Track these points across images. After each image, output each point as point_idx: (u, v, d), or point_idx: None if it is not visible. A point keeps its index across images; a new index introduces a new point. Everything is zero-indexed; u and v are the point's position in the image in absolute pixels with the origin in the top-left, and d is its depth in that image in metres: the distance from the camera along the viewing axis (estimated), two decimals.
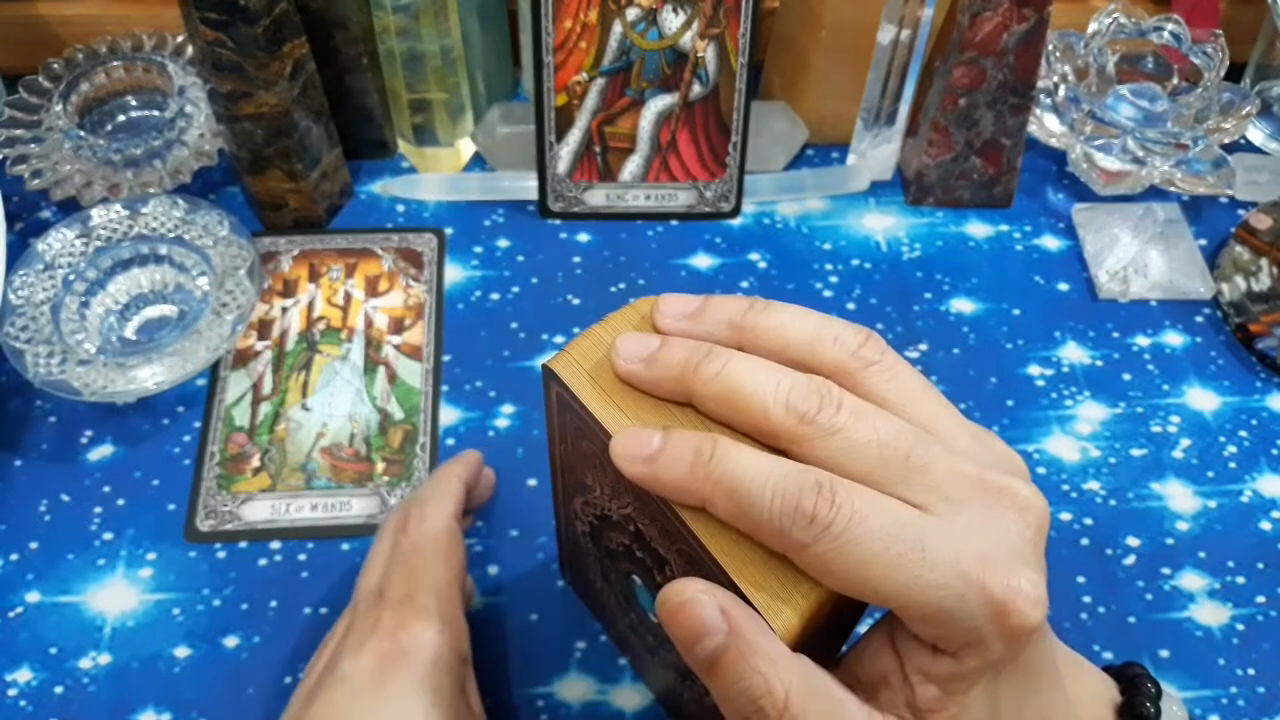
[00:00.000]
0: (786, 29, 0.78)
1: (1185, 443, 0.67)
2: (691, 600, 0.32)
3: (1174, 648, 0.60)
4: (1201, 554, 0.63)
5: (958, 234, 0.77)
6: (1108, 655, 0.59)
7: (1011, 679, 0.34)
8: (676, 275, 0.73)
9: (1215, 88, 0.75)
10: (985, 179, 0.76)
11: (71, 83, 0.74)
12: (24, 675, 0.57)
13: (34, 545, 0.61)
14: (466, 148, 0.79)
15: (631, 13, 0.68)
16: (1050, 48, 0.78)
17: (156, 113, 0.76)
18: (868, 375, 0.35)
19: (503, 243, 0.74)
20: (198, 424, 0.65)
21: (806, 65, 0.76)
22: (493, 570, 0.61)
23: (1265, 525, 0.64)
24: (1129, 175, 0.75)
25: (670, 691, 0.51)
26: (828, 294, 0.73)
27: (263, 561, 0.61)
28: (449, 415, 0.66)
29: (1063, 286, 0.74)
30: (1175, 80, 0.77)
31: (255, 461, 0.64)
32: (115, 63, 0.75)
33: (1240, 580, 0.62)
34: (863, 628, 0.39)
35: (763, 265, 0.74)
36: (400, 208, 0.76)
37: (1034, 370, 0.70)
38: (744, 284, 0.73)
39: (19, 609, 0.59)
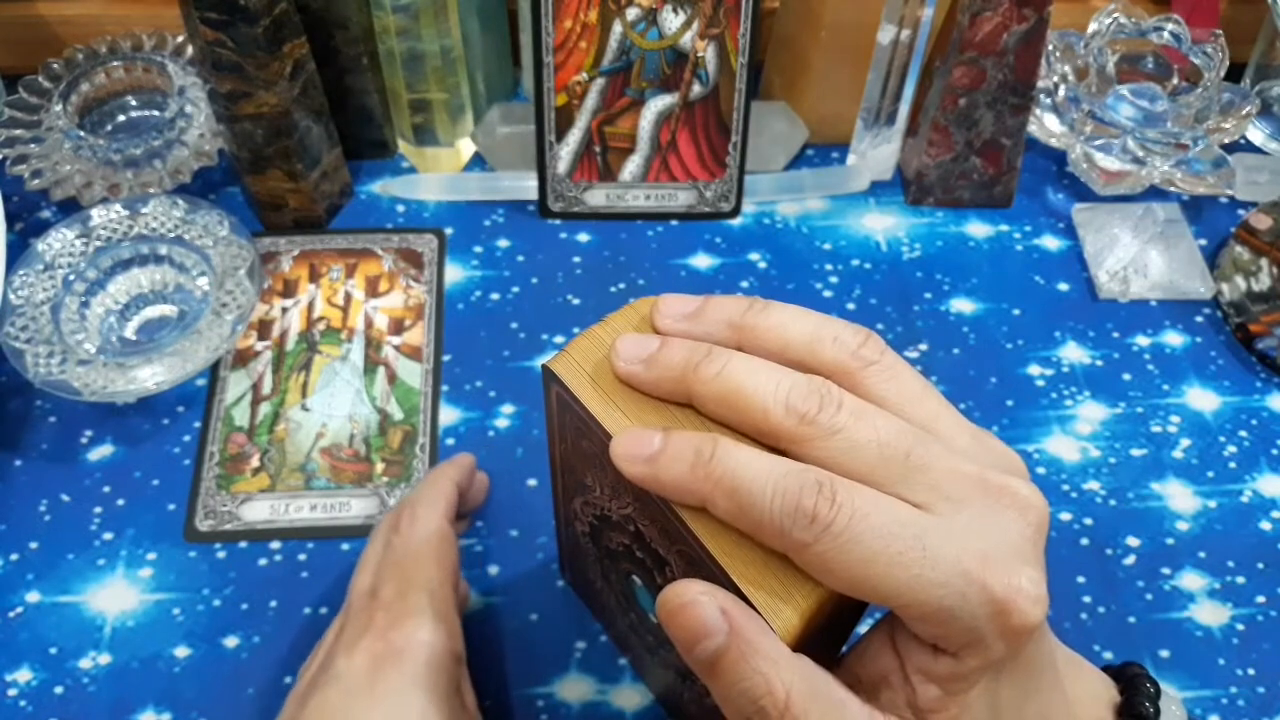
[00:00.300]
0: (786, 29, 0.78)
1: (1185, 443, 0.67)
2: (692, 601, 0.32)
3: (1174, 648, 0.60)
4: (1201, 554, 0.63)
5: (958, 234, 0.77)
6: (1108, 655, 0.59)
7: (1012, 678, 0.34)
8: (676, 275, 0.73)
9: (1215, 88, 0.75)
10: (985, 179, 0.76)
11: (71, 83, 0.74)
12: (24, 675, 0.57)
13: (34, 545, 0.61)
14: (466, 148, 0.79)
15: (631, 13, 0.68)
16: (1050, 48, 0.78)
17: (156, 113, 0.76)
18: (867, 375, 0.35)
19: (503, 243, 0.74)
20: (197, 424, 0.65)
21: (806, 65, 0.76)
22: (493, 570, 0.61)
23: (1265, 525, 0.64)
24: (1129, 175, 0.75)
25: (670, 691, 0.51)
26: (828, 294, 0.73)
27: (263, 561, 0.61)
28: (449, 415, 0.66)
29: (1063, 286, 0.74)
30: (1175, 80, 0.77)
31: (255, 462, 0.64)
32: (115, 63, 0.75)
33: (1240, 580, 0.62)
34: (863, 628, 0.39)
35: (763, 265, 0.74)
36: (400, 208, 0.76)
37: (1034, 370, 0.70)
38: (744, 284, 0.73)
39: (19, 609, 0.59)
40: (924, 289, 0.73)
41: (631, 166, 0.74)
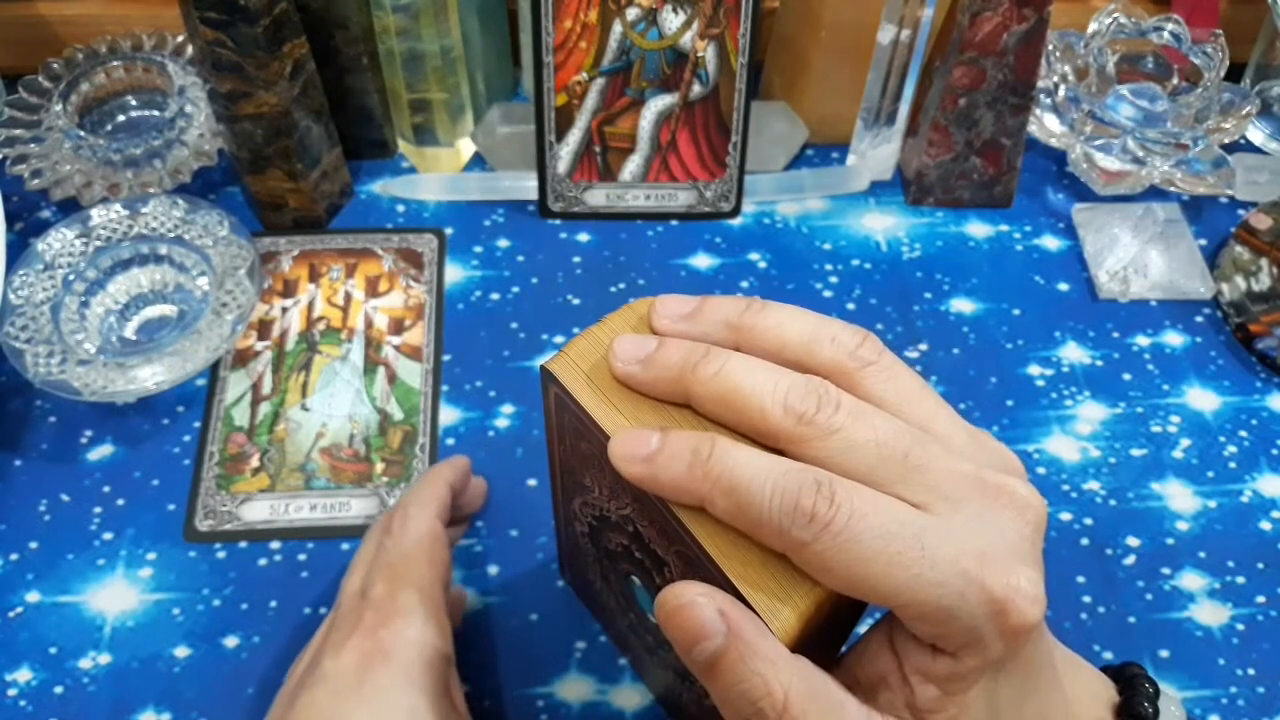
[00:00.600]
0: (786, 29, 0.78)
1: (1185, 443, 0.67)
2: (690, 603, 0.32)
3: (1174, 648, 0.60)
4: (1201, 554, 0.63)
5: (958, 234, 0.77)
6: (1108, 655, 0.59)
7: (1010, 678, 0.34)
8: (676, 275, 0.73)
9: (1215, 88, 0.75)
10: (985, 179, 0.76)
11: (71, 83, 0.74)
12: (24, 675, 0.57)
13: (34, 545, 0.61)
14: (466, 148, 0.79)
15: (631, 13, 0.68)
16: (1050, 48, 0.78)
17: (156, 113, 0.76)
18: (865, 375, 0.35)
19: (503, 243, 0.74)
20: (197, 424, 0.65)
21: (806, 65, 0.76)
22: (493, 570, 0.61)
23: (1265, 525, 0.64)
24: (1129, 175, 0.75)
25: (670, 691, 0.51)
26: (828, 294, 0.73)
27: (262, 561, 0.61)
28: (449, 415, 0.66)
29: (1063, 286, 0.74)
30: (1175, 80, 0.77)
31: (254, 462, 0.64)
32: (115, 63, 0.75)
33: (1240, 580, 0.62)
34: (861, 629, 0.39)
35: (763, 265, 0.74)
36: (400, 208, 0.76)
37: (1034, 370, 0.70)
38: (744, 284, 0.73)
39: (19, 609, 0.59)
40: (924, 289, 0.73)
41: (631, 166, 0.74)
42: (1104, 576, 0.62)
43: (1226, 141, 0.77)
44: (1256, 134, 0.82)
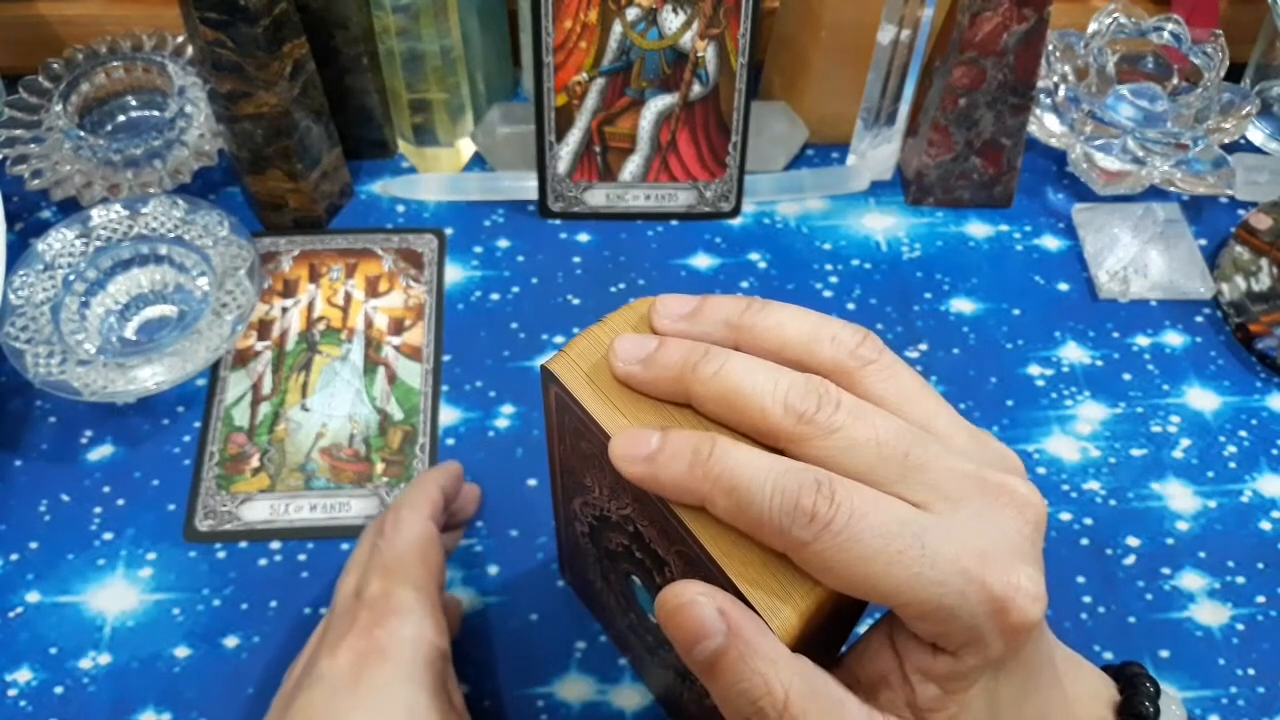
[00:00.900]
0: (786, 29, 0.78)
1: (1185, 443, 0.67)
2: (690, 602, 0.32)
3: (1174, 648, 0.60)
4: (1201, 554, 0.63)
5: (958, 234, 0.77)
6: (1108, 655, 0.59)
7: (1011, 677, 0.34)
8: (676, 275, 0.73)
9: (1215, 88, 0.75)
10: (985, 179, 0.76)
11: (71, 83, 0.74)
12: (24, 675, 0.57)
13: (34, 545, 0.61)
14: (466, 148, 0.79)
15: (631, 13, 0.68)
16: (1050, 48, 0.78)
17: (156, 113, 0.76)
18: (865, 374, 0.35)
19: (503, 243, 0.74)
20: (197, 424, 0.65)
21: (806, 65, 0.76)
22: (493, 570, 0.61)
23: (1265, 525, 0.64)
24: (1129, 175, 0.75)
25: (670, 691, 0.51)
26: (828, 294, 0.73)
27: (263, 562, 0.61)
28: (449, 415, 0.66)
29: (1063, 286, 0.74)
30: (1175, 80, 0.77)
31: (254, 462, 0.64)
32: (115, 63, 0.75)
33: (1240, 580, 0.62)
34: (861, 629, 0.39)
35: (763, 265, 0.74)
36: (400, 208, 0.76)
37: (1034, 370, 0.70)
38: (744, 284, 0.73)
39: (19, 609, 0.59)
40: (924, 289, 0.73)
41: (631, 166, 0.74)
42: (1104, 576, 0.62)
43: (1226, 141, 0.77)
44: (1256, 134, 0.82)
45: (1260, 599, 0.62)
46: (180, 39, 0.77)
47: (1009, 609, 0.31)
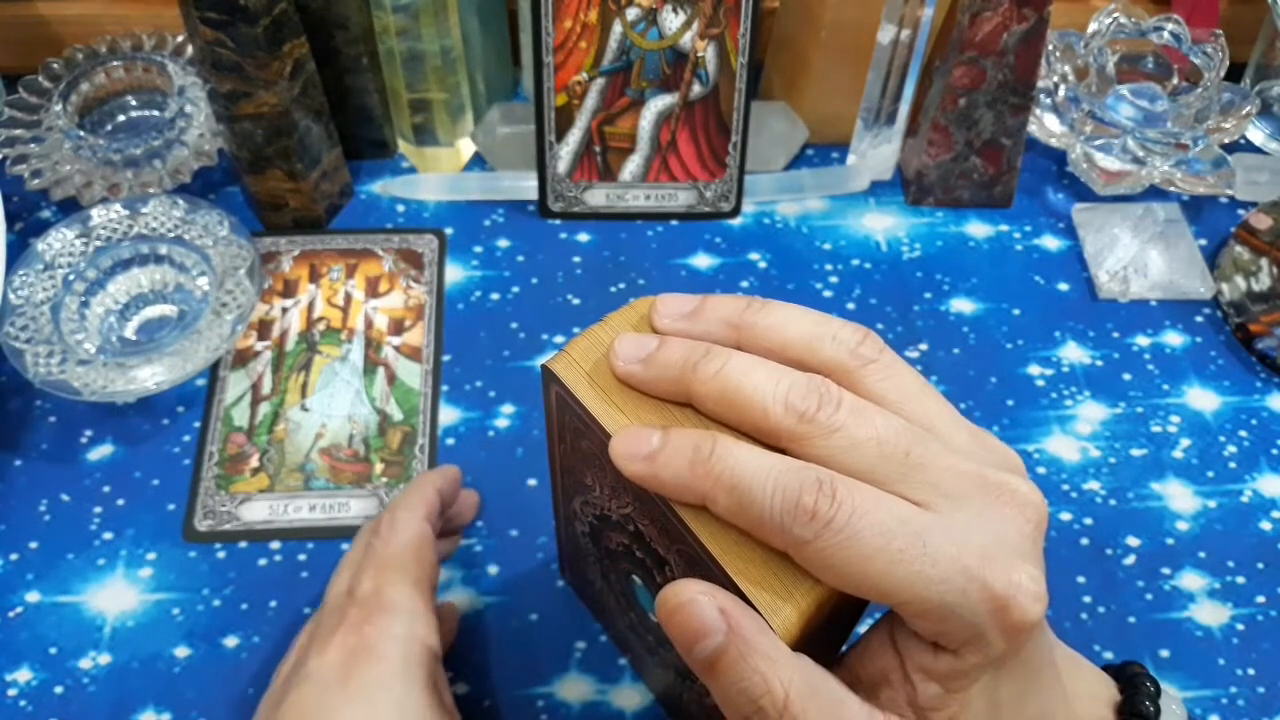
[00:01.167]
0: (786, 29, 0.78)
1: (1185, 443, 0.67)
2: (690, 601, 0.32)
3: (1174, 648, 0.60)
4: (1201, 554, 0.63)
5: (958, 234, 0.77)
6: (1108, 655, 0.59)
7: (1012, 676, 0.34)
8: (676, 275, 0.73)
9: (1215, 88, 0.75)
10: (985, 179, 0.76)
11: (71, 83, 0.74)
12: (24, 675, 0.57)
13: (34, 545, 0.61)
14: (466, 148, 0.79)
15: (631, 13, 0.68)
16: (1050, 48, 0.78)
17: (156, 113, 0.76)
18: (866, 373, 0.35)
19: (503, 243, 0.74)
20: (197, 424, 0.65)
21: (806, 65, 0.76)
22: (493, 570, 0.61)
23: (1265, 525, 0.64)
24: (1129, 175, 0.75)
25: (670, 691, 0.51)
26: (828, 294, 0.73)
27: (262, 562, 0.61)
28: (449, 415, 0.66)
29: (1063, 286, 0.74)
30: (1175, 80, 0.77)
31: (254, 462, 0.64)
32: (115, 63, 0.75)
33: (1240, 580, 0.62)
34: (862, 628, 0.39)
35: (763, 265, 0.74)
36: (400, 208, 0.76)
37: (1034, 370, 0.70)
38: (744, 284, 0.73)
39: (19, 609, 0.59)
40: (924, 289, 0.73)
41: (631, 166, 0.74)
42: (1104, 576, 0.62)
43: (1226, 141, 0.77)
44: (1256, 134, 0.82)
45: (1260, 599, 0.62)
46: (180, 39, 0.77)
47: (1010, 607, 0.31)
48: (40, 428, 0.65)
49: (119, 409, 0.65)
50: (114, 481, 0.63)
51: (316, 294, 0.71)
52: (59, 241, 0.67)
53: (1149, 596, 0.61)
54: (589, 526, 0.46)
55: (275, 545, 0.61)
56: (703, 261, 0.74)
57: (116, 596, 0.59)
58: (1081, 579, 0.62)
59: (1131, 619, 0.61)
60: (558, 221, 0.76)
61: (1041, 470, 0.66)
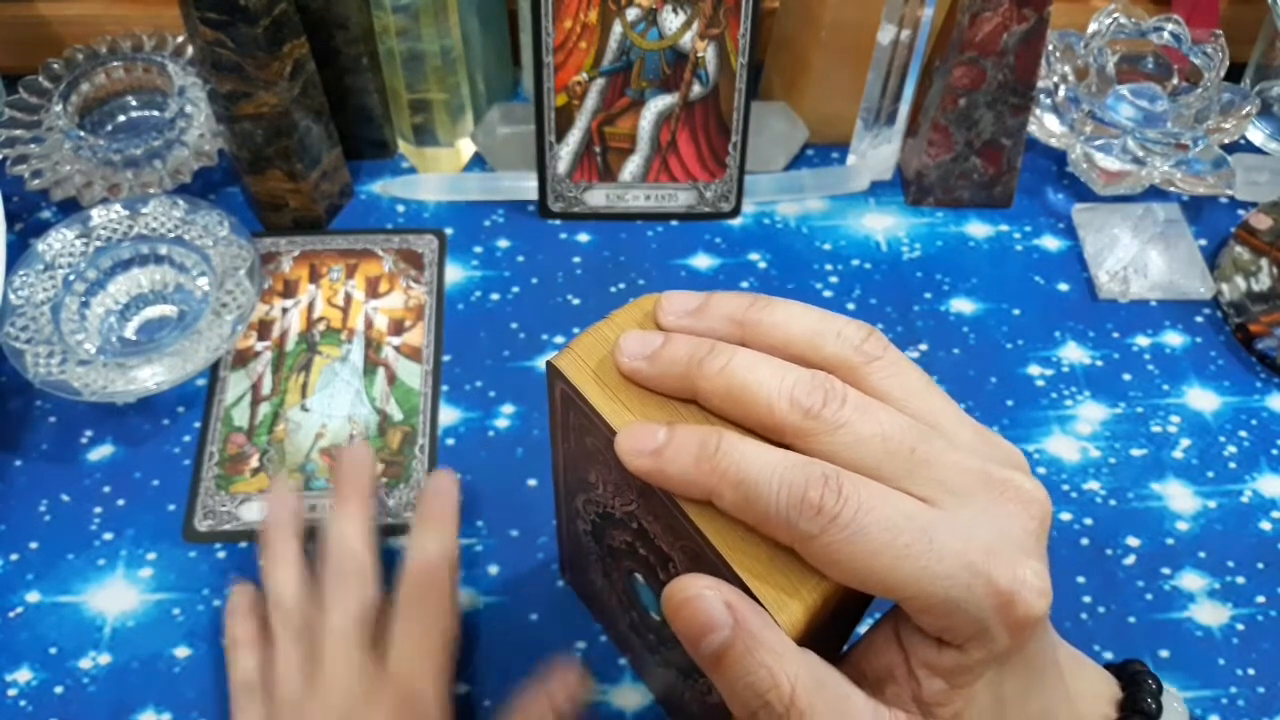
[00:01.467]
0: (786, 29, 0.78)
1: (1185, 443, 0.67)
2: (697, 595, 0.32)
3: (1174, 648, 0.60)
4: (1201, 554, 0.63)
5: (958, 234, 0.77)
6: (1108, 655, 0.59)
7: (1016, 672, 0.34)
8: (676, 275, 0.73)
9: (1215, 88, 0.75)
10: (985, 179, 0.76)
11: (71, 83, 0.74)
12: (24, 675, 0.56)
13: (34, 545, 0.61)
14: (466, 148, 0.79)
15: (631, 13, 0.68)
16: (1050, 48, 0.78)
17: (156, 113, 0.76)
18: (870, 370, 0.35)
19: (503, 243, 0.74)
20: (197, 424, 0.65)
21: (806, 65, 0.76)
22: (493, 570, 0.61)
23: (1265, 525, 0.64)
24: (1129, 175, 0.75)
25: (671, 691, 0.51)
26: (828, 294, 0.73)
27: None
28: (449, 415, 0.66)
29: (1063, 286, 0.74)
30: (1175, 80, 0.77)
31: (254, 462, 0.64)
32: (115, 63, 0.75)
33: (1240, 580, 0.62)
34: (862, 628, 0.39)
35: (763, 265, 0.74)
36: (400, 208, 0.76)
37: (1034, 370, 0.70)
38: (744, 284, 0.73)
39: (19, 609, 0.59)
40: (924, 289, 0.73)
41: (631, 166, 0.74)
42: (1104, 576, 0.62)
43: (1226, 141, 0.77)
44: (1256, 134, 0.82)
45: (1260, 599, 0.62)
46: (180, 39, 0.77)
47: (1015, 603, 0.32)
48: (40, 428, 0.65)
49: (119, 409, 0.65)
50: (114, 481, 0.63)
51: (316, 294, 0.71)
52: (59, 242, 0.67)
53: (1149, 596, 0.61)
54: (591, 525, 0.46)
55: None
56: (703, 262, 0.74)
57: (116, 596, 0.59)
58: (1081, 579, 0.62)
59: (1131, 619, 0.61)
60: (558, 222, 0.76)
61: (1041, 470, 0.66)
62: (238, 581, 0.58)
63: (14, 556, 0.60)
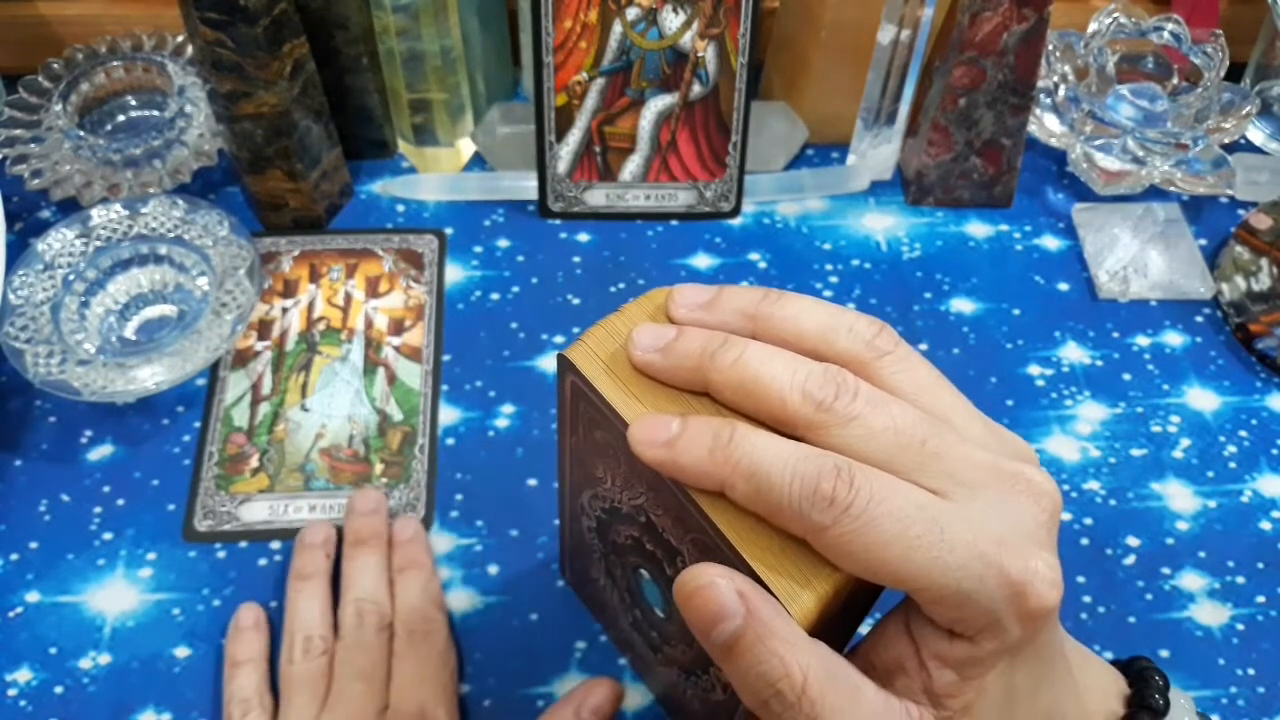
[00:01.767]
0: (786, 29, 0.78)
1: (1185, 443, 0.67)
2: (709, 584, 0.32)
3: (1174, 648, 0.60)
4: (1201, 554, 0.63)
5: (958, 234, 0.77)
6: (1108, 655, 0.59)
7: (1027, 664, 0.34)
8: (676, 275, 0.73)
9: (1215, 88, 0.75)
10: (985, 179, 0.76)
11: (71, 83, 0.74)
12: (24, 675, 0.56)
13: (34, 545, 0.60)
14: (466, 148, 0.78)
15: (631, 13, 0.68)
16: (1050, 48, 0.78)
17: (156, 113, 0.76)
18: (882, 365, 0.35)
19: (503, 243, 0.74)
20: (197, 424, 0.65)
21: (806, 65, 0.76)
22: (493, 570, 0.61)
23: (1265, 525, 0.64)
24: (1129, 175, 0.75)
25: (671, 690, 0.51)
26: (828, 294, 0.73)
27: (262, 562, 0.61)
28: (449, 415, 0.66)
29: (1063, 286, 0.74)
30: (1175, 80, 0.77)
31: (254, 462, 0.64)
32: (115, 63, 0.75)
33: (1240, 580, 0.62)
34: (862, 628, 0.39)
35: (763, 265, 0.74)
36: (400, 208, 0.76)
37: (1034, 370, 0.70)
38: (744, 284, 0.73)
39: (19, 609, 0.58)
40: (924, 289, 0.73)
41: (631, 166, 0.74)
42: (1104, 576, 0.62)
43: (1226, 141, 0.77)
44: (1256, 134, 0.83)
45: (1260, 599, 0.62)
46: (180, 39, 0.77)
47: (1027, 594, 0.32)
48: (40, 428, 0.65)
49: (119, 409, 0.65)
50: (114, 481, 0.63)
51: (316, 294, 0.71)
52: (59, 241, 0.67)
53: (1149, 596, 0.61)
54: (596, 521, 0.46)
55: (275, 545, 0.61)
56: (703, 261, 0.74)
57: (116, 596, 0.59)
58: (1081, 579, 0.62)
59: (1131, 619, 0.61)
60: (558, 221, 0.76)
61: None
62: (242, 606, 0.59)
63: (14, 556, 0.60)
